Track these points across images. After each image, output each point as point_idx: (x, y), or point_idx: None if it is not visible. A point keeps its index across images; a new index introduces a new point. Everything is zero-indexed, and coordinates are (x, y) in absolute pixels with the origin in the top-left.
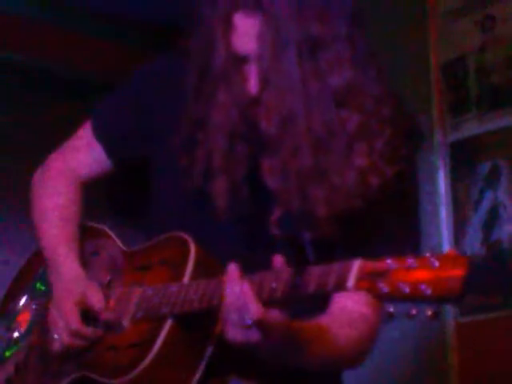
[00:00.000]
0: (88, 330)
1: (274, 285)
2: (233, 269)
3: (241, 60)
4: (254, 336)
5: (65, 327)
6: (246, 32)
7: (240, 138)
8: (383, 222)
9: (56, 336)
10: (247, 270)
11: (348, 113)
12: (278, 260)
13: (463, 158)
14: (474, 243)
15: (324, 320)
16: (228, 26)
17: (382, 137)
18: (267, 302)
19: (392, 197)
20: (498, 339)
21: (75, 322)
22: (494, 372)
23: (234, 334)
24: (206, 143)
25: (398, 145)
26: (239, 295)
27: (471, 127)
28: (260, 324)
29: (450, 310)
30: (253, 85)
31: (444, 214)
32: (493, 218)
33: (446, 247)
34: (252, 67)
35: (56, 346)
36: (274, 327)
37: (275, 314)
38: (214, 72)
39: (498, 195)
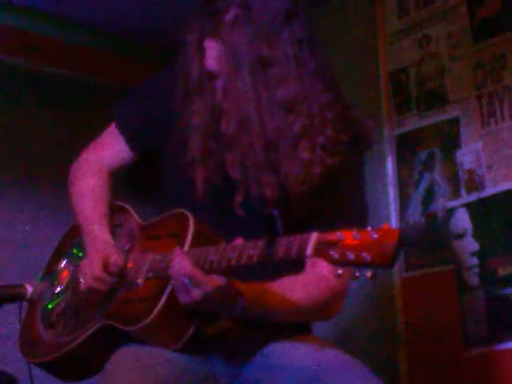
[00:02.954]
0: (106, 276)
1: (251, 252)
2: (176, 249)
3: (211, 76)
4: (196, 294)
5: (89, 272)
6: (212, 54)
7: (211, 137)
8: (334, 200)
9: (82, 280)
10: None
11: (294, 117)
12: (239, 240)
13: (406, 147)
14: (414, 214)
15: (281, 282)
16: (200, 49)
17: (323, 134)
18: (240, 268)
19: (339, 181)
20: (431, 289)
21: (98, 268)
22: (429, 313)
23: (182, 297)
24: (188, 141)
25: (340, 140)
26: (178, 266)
27: (412, 123)
28: (195, 281)
29: (396, 267)
30: (218, 95)
31: (391, 191)
32: (429, 195)
33: (394, 218)
34: (219, 81)
35: (81, 288)
36: (209, 283)
37: (215, 277)
38: (191, 85)
39: (433, 176)
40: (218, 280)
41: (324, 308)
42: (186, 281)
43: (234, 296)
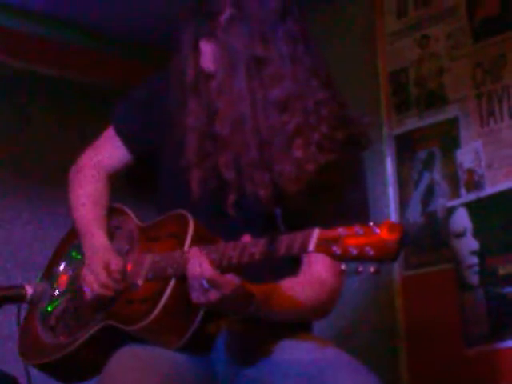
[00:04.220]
0: (112, 283)
1: (253, 249)
2: (194, 248)
3: (207, 76)
4: (213, 296)
5: (95, 280)
6: (208, 54)
7: (207, 138)
8: (333, 199)
9: (87, 289)
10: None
11: (289, 116)
12: (246, 238)
13: (406, 147)
14: (414, 214)
15: (284, 283)
16: (195, 49)
17: (318, 132)
18: (241, 266)
19: (336, 179)
20: (431, 288)
21: (103, 276)
22: (429, 312)
23: (197, 296)
24: (185, 142)
25: (335, 138)
26: (198, 267)
27: (412, 123)
28: (214, 283)
29: (396, 266)
30: (214, 96)
31: (391, 191)
32: (429, 194)
33: (394, 217)
34: (215, 82)
35: (88, 297)
36: (227, 286)
37: (229, 277)
38: (187, 85)
39: (433, 176)
40: (234, 281)
41: (322, 307)
42: (205, 283)
43: (248, 297)
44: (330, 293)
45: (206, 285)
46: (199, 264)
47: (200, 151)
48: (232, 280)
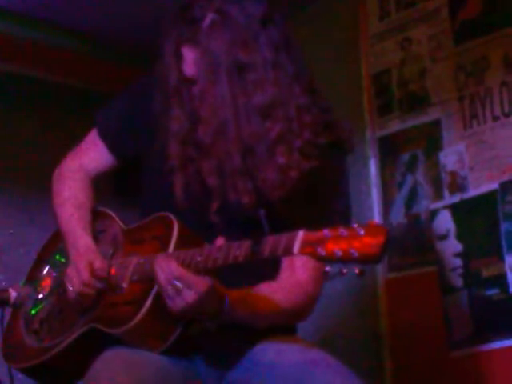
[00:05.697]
0: (95, 281)
1: (237, 252)
2: (158, 255)
3: (190, 82)
4: (190, 297)
5: (78, 279)
6: (190, 60)
7: (190, 143)
8: (316, 205)
9: (70, 287)
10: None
11: (271, 123)
12: (219, 241)
13: (389, 149)
14: (398, 216)
15: (263, 286)
16: (178, 56)
17: (301, 138)
18: (223, 269)
19: (319, 185)
20: (415, 290)
21: (86, 275)
22: (412, 314)
23: (173, 303)
24: (167, 147)
25: (317, 144)
26: (165, 269)
27: (394, 125)
28: (186, 281)
29: (379, 268)
30: (196, 102)
31: (375, 193)
32: (412, 196)
33: (377, 219)
34: (197, 88)
35: (71, 295)
36: (202, 284)
37: (201, 277)
38: (170, 91)
39: (416, 178)
40: (207, 280)
41: (300, 311)
42: (177, 283)
43: (221, 296)
44: (308, 297)
45: (178, 284)
46: (166, 267)
47: (183, 157)
48: (204, 279)
